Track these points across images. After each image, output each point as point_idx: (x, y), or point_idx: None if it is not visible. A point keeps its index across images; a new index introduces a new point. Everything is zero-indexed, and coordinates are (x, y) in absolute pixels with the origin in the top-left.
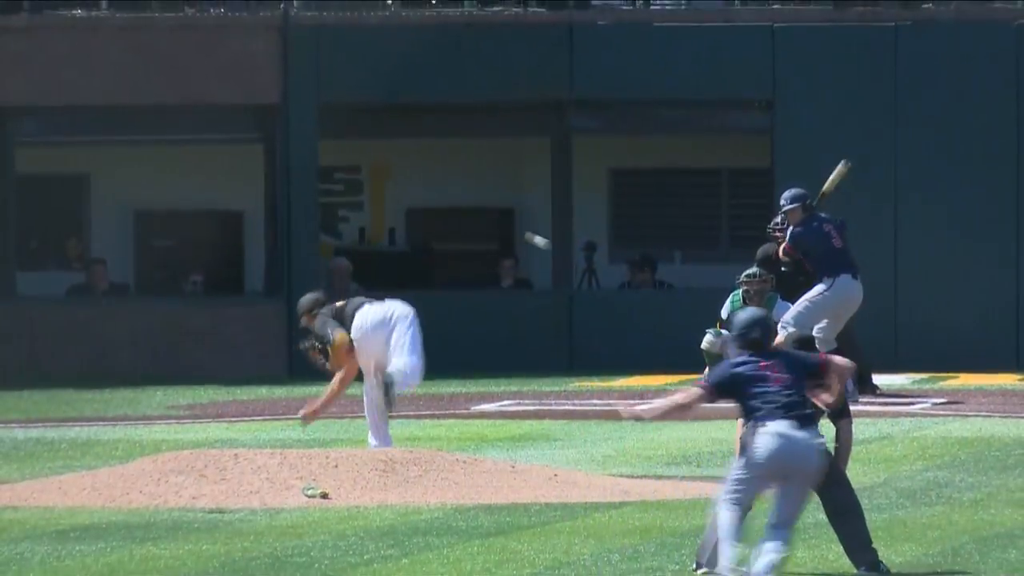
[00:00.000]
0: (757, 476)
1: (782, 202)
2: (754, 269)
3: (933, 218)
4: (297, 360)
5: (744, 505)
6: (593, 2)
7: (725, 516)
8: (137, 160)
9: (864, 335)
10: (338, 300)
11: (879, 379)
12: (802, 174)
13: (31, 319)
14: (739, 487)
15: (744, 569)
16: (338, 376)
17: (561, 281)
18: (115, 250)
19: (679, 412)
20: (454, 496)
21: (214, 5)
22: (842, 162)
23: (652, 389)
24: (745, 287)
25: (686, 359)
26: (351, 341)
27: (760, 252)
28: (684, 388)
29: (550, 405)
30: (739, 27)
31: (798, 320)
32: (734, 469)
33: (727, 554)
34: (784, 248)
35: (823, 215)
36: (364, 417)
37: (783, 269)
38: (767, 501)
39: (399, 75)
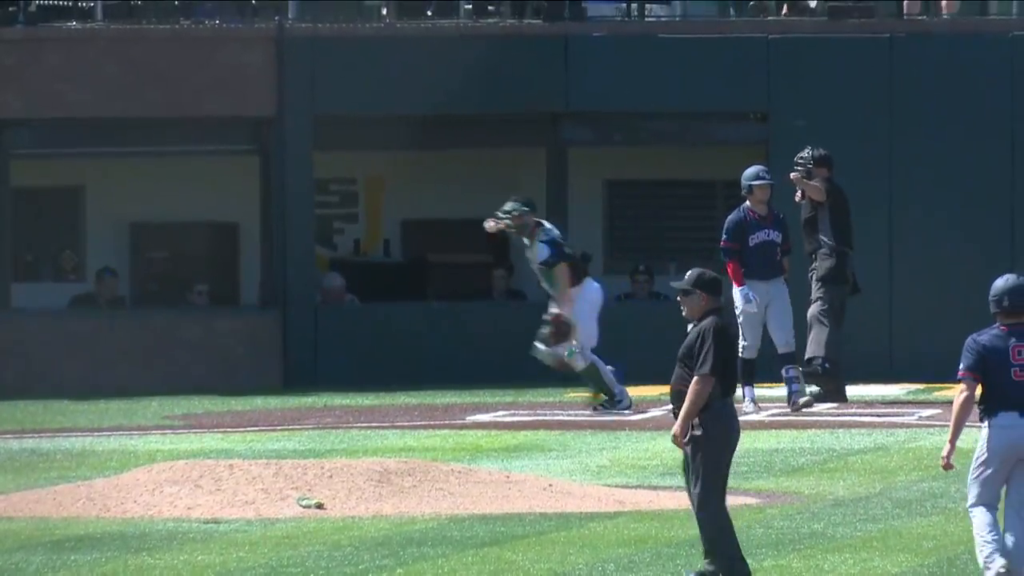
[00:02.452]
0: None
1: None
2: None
3: (928, 228)
4: (291, 371)
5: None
6: (589, 14)
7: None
8: (132, 172)
9: (858, 346)
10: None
11: (874, 390)
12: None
13: (26, 331)
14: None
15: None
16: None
17: None
18: (110, 262)
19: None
20: (449, 506)
21: (209, 17)
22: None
23: (647, 399)
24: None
25: None
26: None
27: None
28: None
29: (545, 415)
30: (734, 39)
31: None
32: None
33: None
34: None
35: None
36: (358, 428)
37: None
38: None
39: (394, 87)
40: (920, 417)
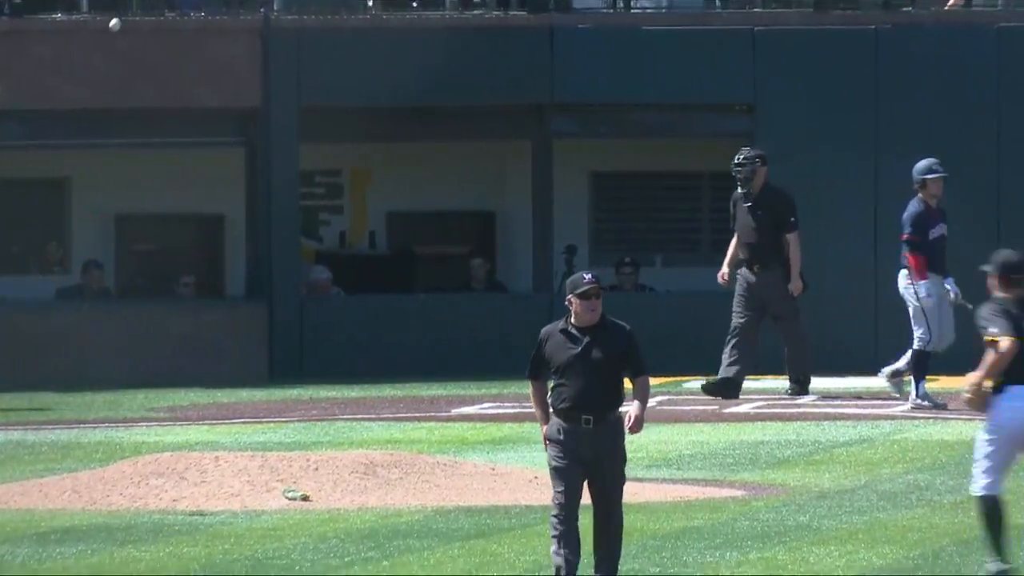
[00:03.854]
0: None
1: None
2: None
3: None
4: (277, 363)
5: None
6: (574, 5)
7: None
8: (118, 164)
9: (844, 338)
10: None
11: (859, 382)
12: (783, 177)
13: (12, 324)
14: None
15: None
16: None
17: (541, 284)
18: (96, 254)
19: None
20: (434, 499)
21: (194, 9)
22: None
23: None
24: None
25: (666, 362)
26: None
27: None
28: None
29: (530, 407)
30: (720, 31)
31: None
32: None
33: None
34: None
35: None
36: (343, 420)
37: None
38: None
39: (380, 79)
40: (909, 407)
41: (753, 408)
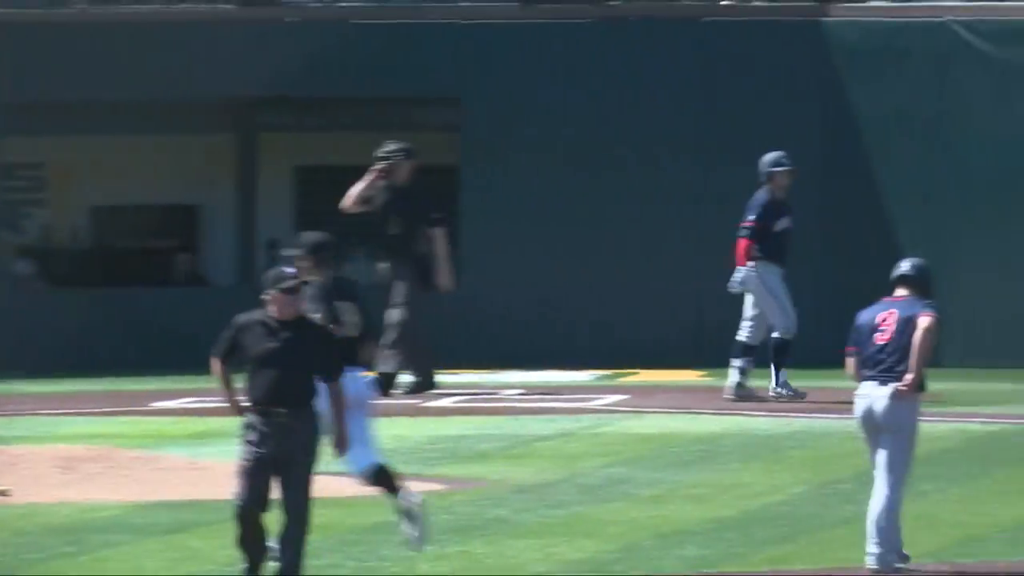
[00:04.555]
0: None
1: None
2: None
3: (615, 215)
4: None
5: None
6: (283, 0)
7: None
8: None
9: (552, 333)
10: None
11: (568, 376)
12: (490, 171)
13: None
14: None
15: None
16: None
17: (244, 278)
18: None
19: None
20: (134, 493)
21: None
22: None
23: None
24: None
25: None
26: None
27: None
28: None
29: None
30: (427, 24)
31: None
32: None
33: None
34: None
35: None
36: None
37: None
38: None
39: (84, 73)
40: (610, 401)
41: (454, 402)
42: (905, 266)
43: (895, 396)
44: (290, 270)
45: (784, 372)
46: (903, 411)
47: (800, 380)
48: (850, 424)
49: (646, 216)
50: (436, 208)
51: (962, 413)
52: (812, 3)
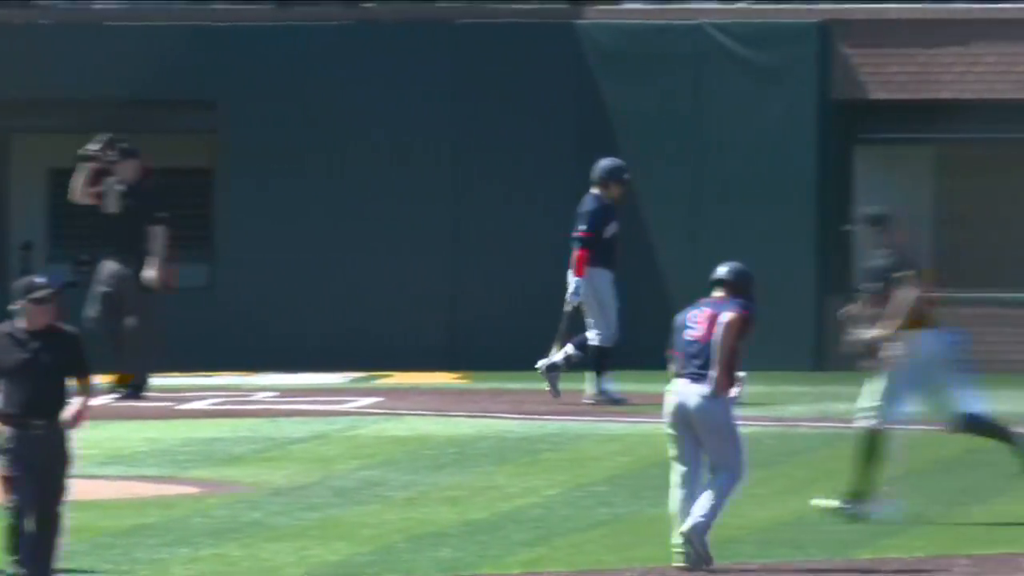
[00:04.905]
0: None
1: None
2: None
3: (370, 216)
4: None
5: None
6: (39, 1)
7: None
8: None
9: (306, 335)
10: None
11: (323, 378)
12: (245, 174)
13: None
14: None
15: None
16: None
17: None
18: None
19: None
20: None
21: None
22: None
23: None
24: None
25: None
26: None
27: None
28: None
29: None
30: (181, 26)
31: None
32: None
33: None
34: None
35: None
36: None
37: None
38: None
39: None
40: (364, 404)
41: (208, 404)
42: (722, 270)
43: (704, 396)
44: (41, 280)
45: (605, 376)
46: (714, 409)
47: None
48: (602, 427)
49: (401, 218)
50: (161, 207)
51: None
52: (566, 6)
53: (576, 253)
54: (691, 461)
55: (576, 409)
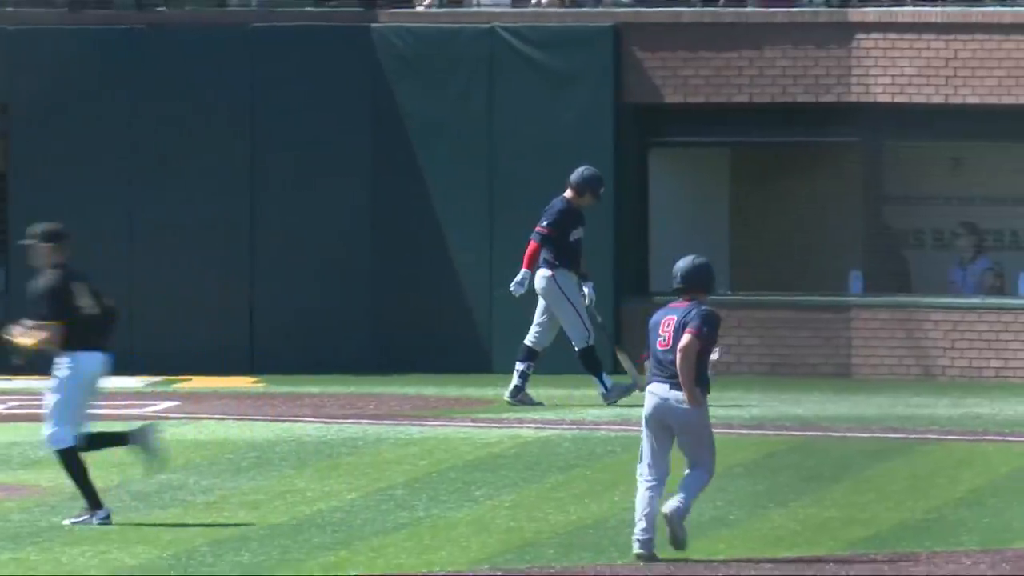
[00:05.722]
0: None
1: None
2: None
3: (159, 225)
4: None
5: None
6: None
7: None
8: None
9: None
10: None
11: (121, 382)
12: (39, 178)
13: None
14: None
15: None
16: None
17: None
18: None
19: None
20: None
21: None
22: None
23: None
24: None
25: None
26: None
27: None
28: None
29: None
30: None
31: None
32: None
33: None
34: None
35: None
36: None
37: None
38: None
39: None
40: (163, 407)
41: (5, 408)
42: (676, 276)
43: (682, 403)
44: None
45: (608, 378)
46: (691, 415)
47: (339, 385)
48: (401, 431)
49: (197, 221)
50: None
51: (513, 419)
52: (360, 9)
53: (530, 246)
54: (660, 460)
55: (375, 413)
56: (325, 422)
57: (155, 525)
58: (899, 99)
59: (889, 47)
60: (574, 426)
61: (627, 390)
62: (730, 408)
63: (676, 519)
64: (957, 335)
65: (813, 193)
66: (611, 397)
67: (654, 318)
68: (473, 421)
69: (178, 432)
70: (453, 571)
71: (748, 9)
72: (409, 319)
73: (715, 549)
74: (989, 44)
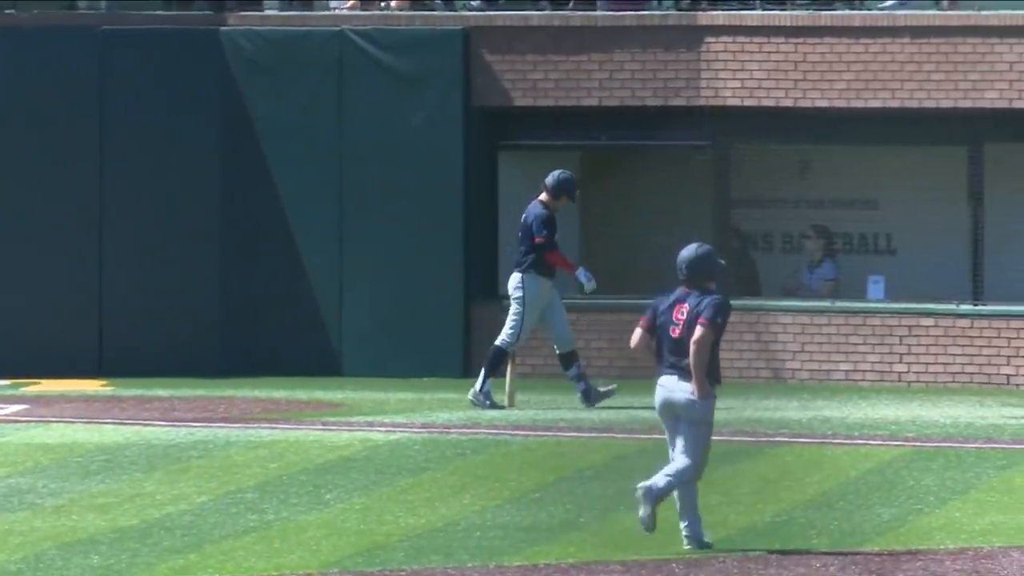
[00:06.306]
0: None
1: None
2: None
3: (7, 226)
4: None
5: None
6: None
7: None
8: None
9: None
10: None
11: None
12: None
13: None
14: None
15: None
16: None
17: None
18: None
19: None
20: None
21: None
22: None
23: None
24: None
25: None
26: None
27: None
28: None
29: None
30: None
31: None
32: None
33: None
34: None
35: None
36: None
37: None
38: None
39: None
40: (11, 411)
41: None
42: (681, 267)
43: (690, 395)
44: None
45: (490, 381)
46: (701, 407)
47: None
48: (251, 433)
49: (47, 222)
50: None
51: (364, 422)
52: (209, 12)
53: (551, 257)
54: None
55: (225, 416)
56: (175, 425)
57: (3, 529)
58: (748, 102)
59: (738, 50)
60: (424, 429)
61: (490, 403)
62: (579, 411)
63: (650, 497)
64: (806, 338)
65: (663, 196)
66: (479, 400)
67: (665, 303)
68: (323, 424)
69: (26, 435)
70: (303, 574)
71: (597, 13)
72: (259, 322)
73: (565, 552)
74: (838, 47)
